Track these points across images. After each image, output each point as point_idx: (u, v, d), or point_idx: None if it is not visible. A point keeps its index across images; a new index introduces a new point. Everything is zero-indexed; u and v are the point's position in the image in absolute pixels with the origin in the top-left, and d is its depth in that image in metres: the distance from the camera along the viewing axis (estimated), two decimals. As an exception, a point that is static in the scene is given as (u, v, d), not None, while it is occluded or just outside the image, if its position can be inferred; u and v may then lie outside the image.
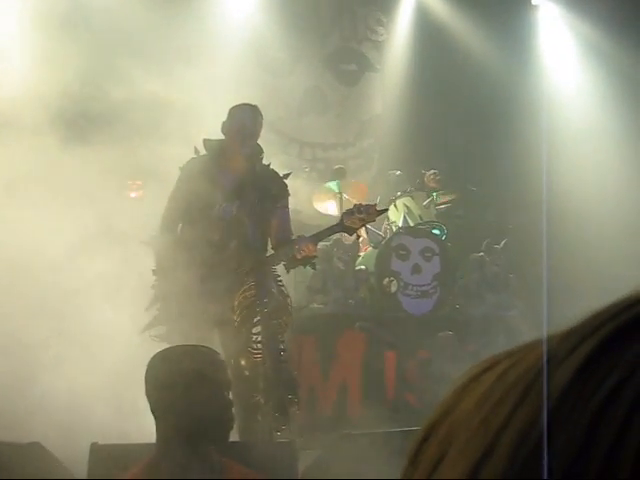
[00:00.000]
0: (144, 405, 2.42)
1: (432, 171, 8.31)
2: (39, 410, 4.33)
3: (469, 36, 9.97)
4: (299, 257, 4.42)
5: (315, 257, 4.54)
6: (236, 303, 4.42)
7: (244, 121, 4.57)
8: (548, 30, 10.49)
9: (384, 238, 7.39)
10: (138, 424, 3.38)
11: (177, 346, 2.66)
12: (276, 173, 4.70)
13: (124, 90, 6.10)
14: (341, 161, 9.12)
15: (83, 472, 3.26)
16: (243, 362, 4.37)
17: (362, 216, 4.45)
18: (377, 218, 4.80)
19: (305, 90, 9.81)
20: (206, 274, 4.37)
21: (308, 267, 4.64)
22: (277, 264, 4.58)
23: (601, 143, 9.40)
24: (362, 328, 6.68)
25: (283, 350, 4.45)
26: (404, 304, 6.96)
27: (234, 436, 2.73)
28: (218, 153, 4.60)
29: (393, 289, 6.97)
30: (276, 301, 4.46)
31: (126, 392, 3.89)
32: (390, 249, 7.08)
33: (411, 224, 7.59)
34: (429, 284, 7.04)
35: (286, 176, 4.72)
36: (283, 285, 4.57)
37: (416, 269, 7.02)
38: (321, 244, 5.45)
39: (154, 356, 2.46)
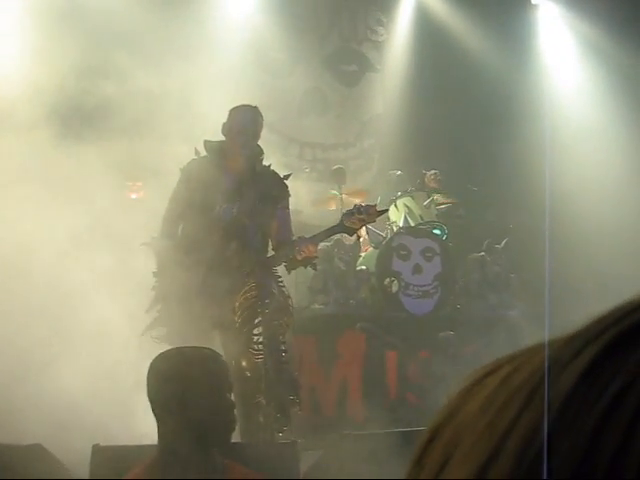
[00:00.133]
0: (146, 406, 2.42)
1: (433, 171, 8.31)
2: (40, 412, 4.33)
3: (469, 36, 9.97)
4: (299, 258, 4.43)
5: (316, 258, 4.54)
6: (237, 304, 4.43)
7: (244, 122, 4.57)
8: (548, 29, 10.49)
9: (385, 238, 7.39)
10: (140, 425, 3.38)
11: (179, 347, 2.66)
12: (276, 174, 4.70)
13: (123, 90, 6.10)
14: (341, 161, 9.12)
15: (85, 474, 3.26)
16: (244, 363, 4.38)
17: (362, 217, 4.45)
18: (377, 218, 4.80)
19: (305, 91, 9.81)
20: (207, 275, 4.37)
21: (309, 268, 4.64)
22: (278, 265, 4.58)
23: (601, 142, 9.40)
24: (363, 328, 6.68)
25: (284, 351, 4.45)
26: (405, 304, 6.95)
27: (235, 437, 2.73)
28: (218, 154, 4.60)
29: (394, 289, 6.97)
30: (277, 302, 4.46)
31: (127, 393, 3.89)
32: (391, 249, 7.08)
33: (412, 224, 7.58)
34: (430, 284, 7.03)
35: (286, 177, 4.72)
36: (284, 286, 4.58)
37: (417, 269, 7.02)
38: (322, 244, 5.46)
39: (156, 357, 2.46)
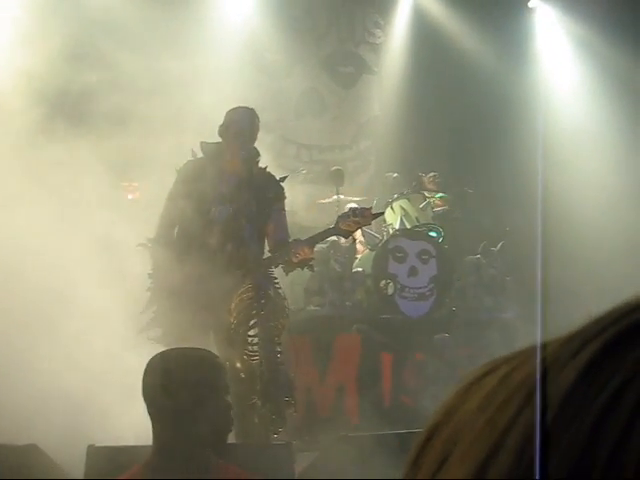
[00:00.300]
0: (141, 407, 2.42)
1: (432, 174, 8.32)
2: (35, 412, 4.33)
3: (466, 39, 9.99)
4: (295, 261, 4.43)
5: (312, 259, 4.55)
6: (233, 305, 4.43)
7: (241, 124, 4.58)
8: (544, 33, 10.51)
9: (381, 240, 7.39)
10: (135, 426, 3.38)
11: (176, 349, 2.66)
12: (272, 176, 4.71)
13: (119, 90, 6.09)
14: (338, 163, 9.12)
15: (79, 474, 3.26)
16: (240, 364, 4.38)
17: (357, 219, 4.46)
18: (372, 221, 4.81)
19: (302, 92, 9.82)
20: (203, 276, 4.37)
21: (305, 269, 4.64)
22: (275, 266, 4.59)
23: (598, 145, 9.42)
24: (359, 330, 6.68)
25: (280, 352, 4.45)
26: (401, 306, 6.96)
27: (230, 438, 2.73)
28: (215, 156, 4.60)
29: (390, 291, 6.97)
30: (273, 303, 4.46)
31: (123, 394, 3.89)
32: (387, 251, 7.08)
33: (408, 226, 7.59)
34: (426, 286, 7.04)
35: (282, 179, 4.73)
36: (280, 287, 4.58)
37: (413, 271, 7.03)
38: (318, 246, 5.46)
39: (152, 358, 2.46)
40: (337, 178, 7.97)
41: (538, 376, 0.38)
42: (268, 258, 4.58)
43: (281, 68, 9.61)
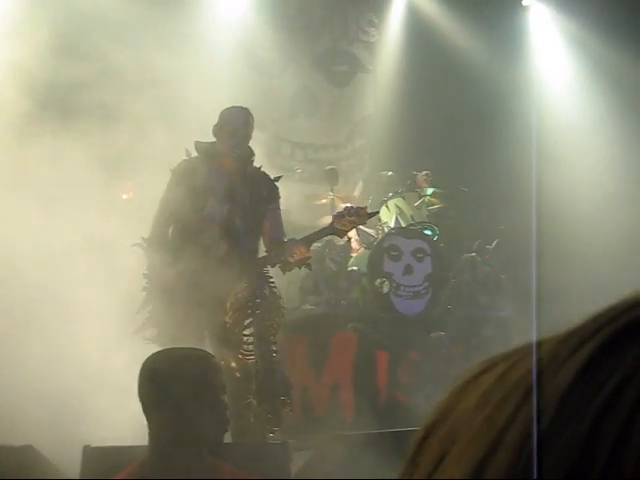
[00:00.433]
0: (137, 407, 2.41)
1: (425, 172, 8.32)
2: (31, 413, 4.32)
3: (460, 37, 9.99)
4: (292, 260, 4.43)
5: (309, 258, 4.55)
6: (228, 305, 4.43)
7: (235, 124, 4.58)
8: (538, 31, 10.52)
9: (376, 239, 7.40)
10: (131, 426, 3.37)
11: (171, 348, 2.66)
12: (267, 175, 4.71)
13: (113, 89, 6.08)
14: (333, 162, 9.12)
15: (75, 474, 3.25)
16: (235, 364, 4.38)
17: (352, 219, 4.46)
18: (368, 220, 4.82)
19: (296, 91, 9.81)
20: (198, 276, 4.37)
21: (302, 268, 4.64)
22: (271, 266, 4.59)
23: (591, 142, 9.43)
24: (354, 329, 6.69)
25: (275, 351, 4.45)
26: (396, 305, 6.96)
27: (226, 437, 2.73)
28: (209, 155, 4.60)
29: (385, 290, 6.98)
30: (268, 302, 4.46)
31: (118, 394, 3.88)
32: (382, 250, 7.08)
33: (403, 225, 7.60)
34: (421, 285, 7.05)
35: (277, 179, 4.74)
36: (275, 286, 4.58)
37: (408, 270, 7.03)
38: (313, 245, 5.46)
39: (148, 358, 2.46)
40: (331, 177, 7.97)
41: (534, 374, 0.38)
42: (264, 257, 4.58)
43: (275, 67, 9.61)
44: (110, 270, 4.74)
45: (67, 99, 6.34)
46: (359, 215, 4.48)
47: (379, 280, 6.99)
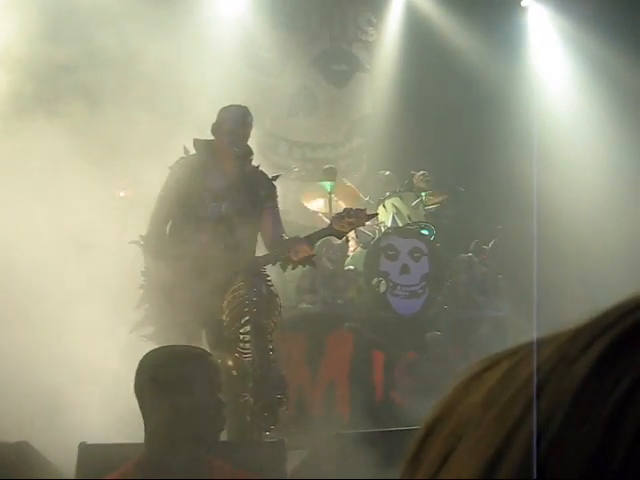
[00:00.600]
0: (133, 405, 2.42)
1: (421, 172, 8.33)
2: (26, 409, 4.32)
3: (459, 37, 10.00)
4: (296, 258, 4.43)
5: (313, 256, 4.55)
6: (225, 303, 4.43)
7: (233, 122, 4.58)
8: (537, 31, 10.54)
9: (373, 238, 7.40)
10: (126, 424, 3.37)
11: (168, 346, 2.66)
12: (265, 174, 4.71)
13: (113, 88, 6.08)
14: (330, 161, 9.12)
15: (71, 472, 3.25)
16: (231, 362, 4.38)
17: (351, 220, 4.46)
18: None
19: (295, 90, 9.81)
20: (195, 274, 4.37)
21: (299, 266, 4.64)
22: (273, 264, 4.59)
23: (590, 143, 9.44)
24: (350, 328, 6.68)
25: (272, 350, 4.45)
26: (393, 304, 6.96)
27: (222, 436, 2.73)
28: (208, 153, 4.60)
29: (382, 289, 6.98)
30: (265, 301, 4.46)
31: (114, 392, 3.88)
32: (379, 249, 7.09)
33: (400, 224, 7.61)
34: (418, 284, 7.05)
35: (275, 178, 4.74)
36: (272, 285, 4.58)
37: (405, 269, 7.03)
38: (310, 244, 5.46)
39: (145, 356, 2.46)
40: (330, 176, 7.97)
41: (535, 373, 0.38)
42: (266, 255, 4.58)
43: (274, 66, 9.61)
44: (106, 268, 4.73)
45: (66, 99, 6.33)
46: (358, 217, 4.47)
47: (376, 279, 6.99)
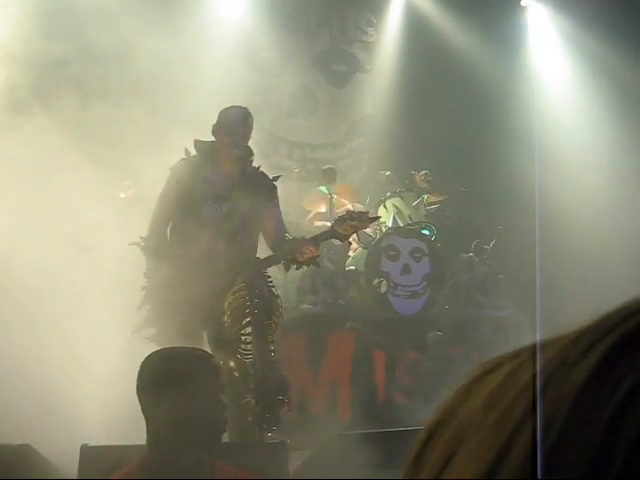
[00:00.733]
0: (135, 406, 2.41)
1: (423, 172, 8.33)
2: (28, 412, 4.32)
3: (459, 37, 10.00)
4: (301, 259, 4.43)
5: (318, 257, 4.56)
6: (226, 304, 4.42)
7: (234, 123, 4.58)
8: (537, 31, 10.54)
9: (374, 239, 7.40)
10: (128, 425, 3.37)
11: (170, 348, 2.66)
12: (265, 175, 4.71)
13: (112, 88, 6.08)
14: (331, 161, 9.13)
15: (73, 473, 3.25)
16: (233, 363, 4.37)
17: (354, 223, 4.45)
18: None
19: (295, 90, 9.82)
20: (196, 275, 4.37)
21: (302, 267, 4.64)
22: (277, 264, 4.58)
23: (591, 142, 9.44)
24: (352, 328, 6.68)
25: (273, 351, 4.45)
26: (394, 304, 6.96)
27: (224, 437, 2.73)
28: (208, 154, 4.60)
29: (383, 289, 6.98)
30: (266, 302, 4.46)
31: (116, 393, 3.88)
32: (380, 249, 7.09)
33: (401, 224, 7.61)
34: (419, 284, 7.05)
35: (275, 178, 4.73)
36: (273, 286, 4.57)
37: (406, 269, 7.03)
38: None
39: (147, 357, 2.46)
40: (329, 177, 7.98)
41: (538, 374, 0.38)
42: (268, 257, 4.58)
43: (274, 66, 9.61)
44: (107, 269, 4.73)
45: (66, 99, 6.33)
46: (361, 220, 4.47)
47: (377, 280, 6.99)
